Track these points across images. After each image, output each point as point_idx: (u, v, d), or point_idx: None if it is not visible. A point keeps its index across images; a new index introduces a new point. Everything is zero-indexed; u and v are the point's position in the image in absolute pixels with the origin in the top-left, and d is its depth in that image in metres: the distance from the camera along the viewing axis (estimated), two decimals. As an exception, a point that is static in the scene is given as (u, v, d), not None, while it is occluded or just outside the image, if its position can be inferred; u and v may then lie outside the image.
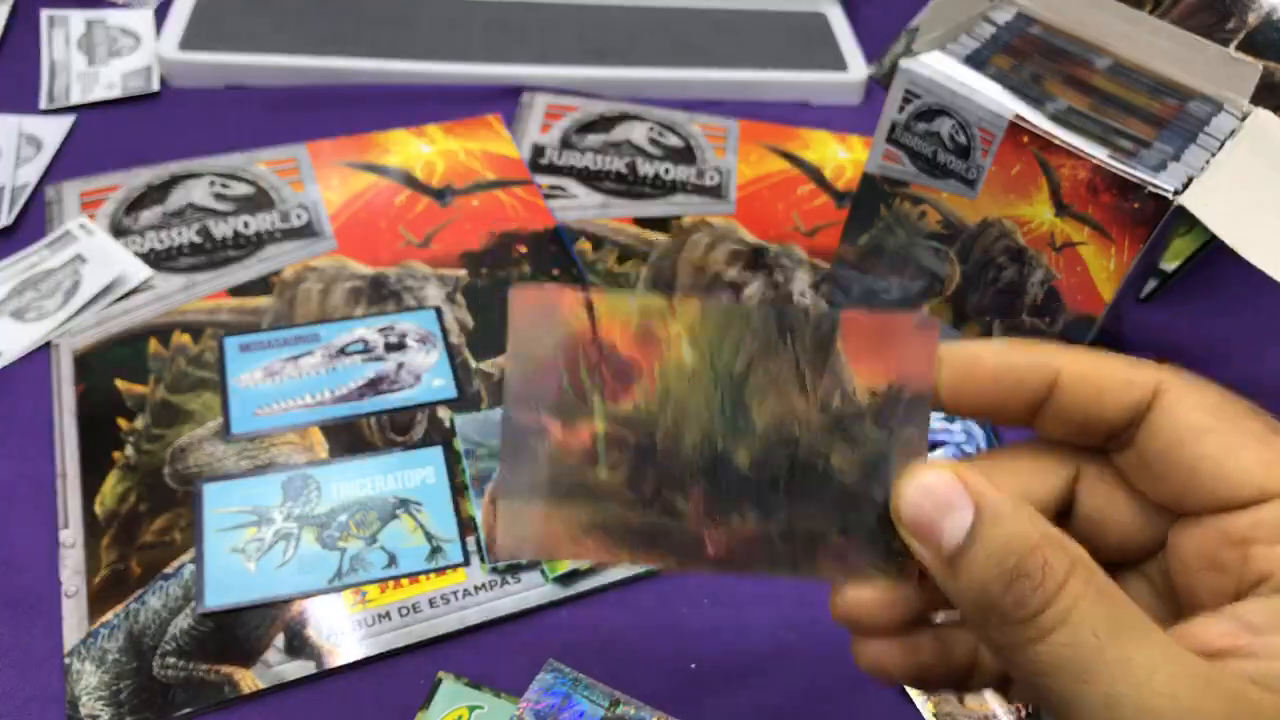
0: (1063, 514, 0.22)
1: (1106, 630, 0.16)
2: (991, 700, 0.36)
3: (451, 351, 0.46)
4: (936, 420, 0.45)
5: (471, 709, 0.35)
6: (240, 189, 0.53)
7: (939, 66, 0.40)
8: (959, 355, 0.21)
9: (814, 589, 0.40)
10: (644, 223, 0.54)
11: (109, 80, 0.58)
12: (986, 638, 0.18)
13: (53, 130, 0.55)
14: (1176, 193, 0.37)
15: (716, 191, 0.56)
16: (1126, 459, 0.21)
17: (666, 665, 0.37)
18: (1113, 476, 0.22)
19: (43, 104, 0.56)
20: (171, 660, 0.36)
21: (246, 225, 0.51)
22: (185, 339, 0.46)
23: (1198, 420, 0.20)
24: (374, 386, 0.45)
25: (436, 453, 0.42)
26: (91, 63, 0.59)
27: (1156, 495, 0.21)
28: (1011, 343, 0.22)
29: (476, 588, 0.38)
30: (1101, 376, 0.21)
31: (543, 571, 0.39)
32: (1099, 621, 0.16)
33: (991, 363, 0.21)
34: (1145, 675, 0.15)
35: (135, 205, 0.51)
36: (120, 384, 0.44)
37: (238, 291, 0.48)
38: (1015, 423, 0.22)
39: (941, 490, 0.18)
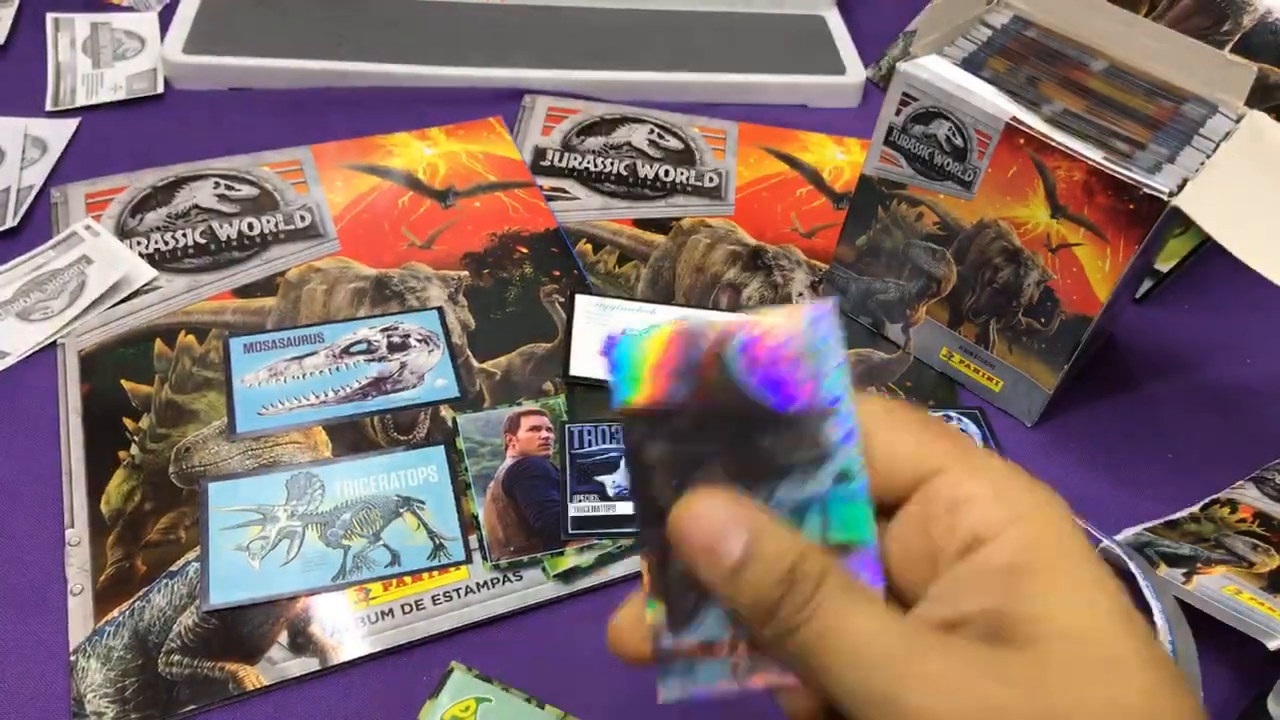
0: None
1: (844, 611, 0.21)
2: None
3: (454, 351, 0.47)
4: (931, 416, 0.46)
5: (479, 700, 0.35)
6: (245, 191, 0.53)
7: (936, 69, 0.41)
8: None
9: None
10: (644, 224, 0.54)
11: (114, 83, 0.58)
12: (762, 636, 0.22)
13: (58, 132, 0.55)
14: (1171, 194, 0.37)
15: (716, 193, 0.57)
16: None
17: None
18: None
19: (48, 106, 0.57)
20: (176, 657, 0.36)
21: (251, 227, 0.51)
22: (190, 339, 0.46)
23: (869, 426, 0.23)
24: (377, 386, 0.45)
25: (439, 452, 0.43)
26: (96, 65, 0.60)
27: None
28: None
29: (479, 585, 0.39)
30: None
31: (544, 569, 0.39)
32: (840, 606, 0.21)
33: None
34: (867, 638, 0.20)
35: (140, 207, 0.52)
36: (126, 384, 0.44)
37: (242, 292, 0.48)
38: None
39: (720, 515, 0.22)
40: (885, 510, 0.23)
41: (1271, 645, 0.35)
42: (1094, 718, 0.19)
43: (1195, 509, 0.43)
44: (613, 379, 0.23)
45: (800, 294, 0.51)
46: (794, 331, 0.23)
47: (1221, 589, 0.38)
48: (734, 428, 0.23)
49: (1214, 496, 0.43)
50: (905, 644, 0.20)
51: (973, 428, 0.46)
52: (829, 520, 0.23)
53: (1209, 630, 0.37)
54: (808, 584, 0.21)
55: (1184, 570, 0.39)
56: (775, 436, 0.23)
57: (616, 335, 0.23)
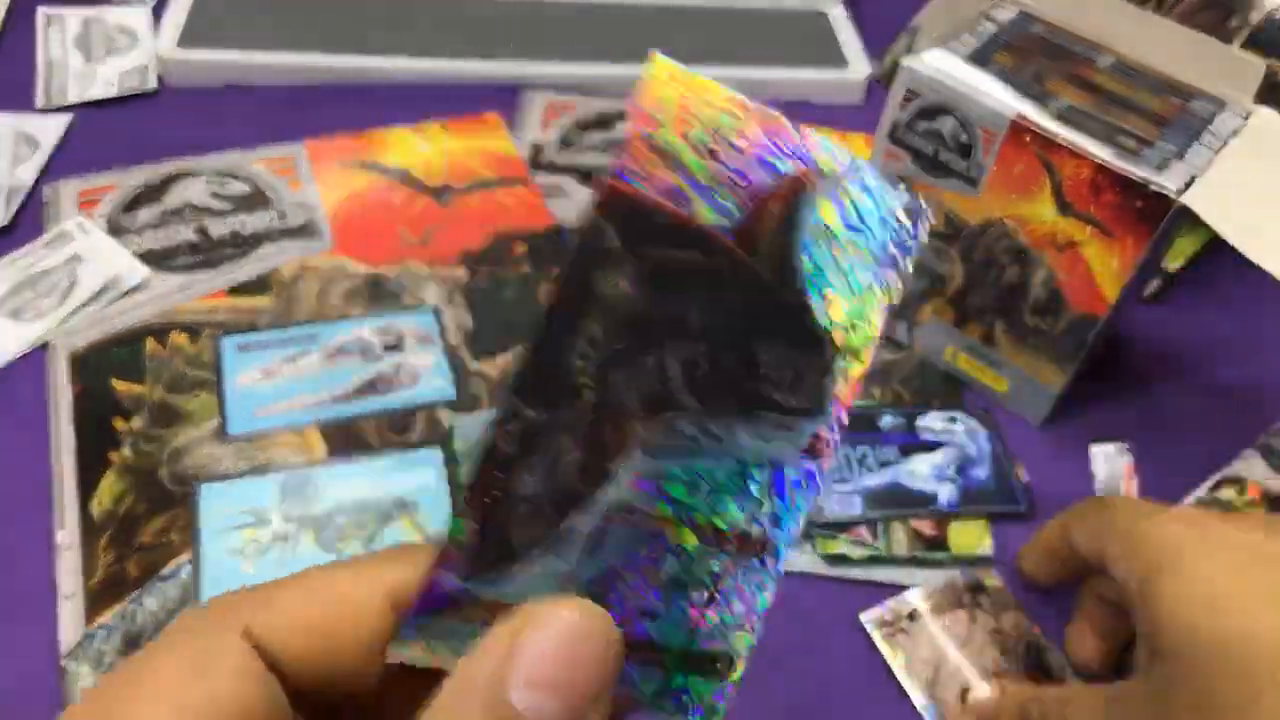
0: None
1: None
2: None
3: (450, 352, 0.46)
4: (939, 420, 0.45)
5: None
6: (238, 188, 0.52)
7: (941, 65, 0.40)
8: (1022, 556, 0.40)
9: (814, 591, 0.40)
10: (644, 222, 0.54)
11: (106, 79, 0.58)
12: None
13: (50, 129, 0.55)
14: (1179, 192, 0.36)
15: (717, 190, 0.56)
16: None
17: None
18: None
19: (39, 103, 0.56)
20: (168, 662, 0.36)
21: (244, 224, 0.51)
22: (183, 339, 0.45)
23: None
24: (372, 387, 0.44)
25: (435, 454, 0.42)
26: (89, 61, 0.59)
27: None
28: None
29: (475, 589, 0.38)
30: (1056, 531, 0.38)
31: (542, 573, 0.39)
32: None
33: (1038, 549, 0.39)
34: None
35: (132, 204, 0.51)
36: (117, 384, 0.44)
37: (235, 291, 0.48)
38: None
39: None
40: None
41: None
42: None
43: (1202, 491, 0.43)
44: (632, 127, 0.14)
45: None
46: (884, 216, 0.16)
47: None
48: (744, 312, 0.15)
49: (1221, 475, 0.43)
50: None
51: (979, 429, 0.45)
52: (772, 496, 0.17)
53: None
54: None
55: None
56: (782, 355, 0.16)
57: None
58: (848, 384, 0.16)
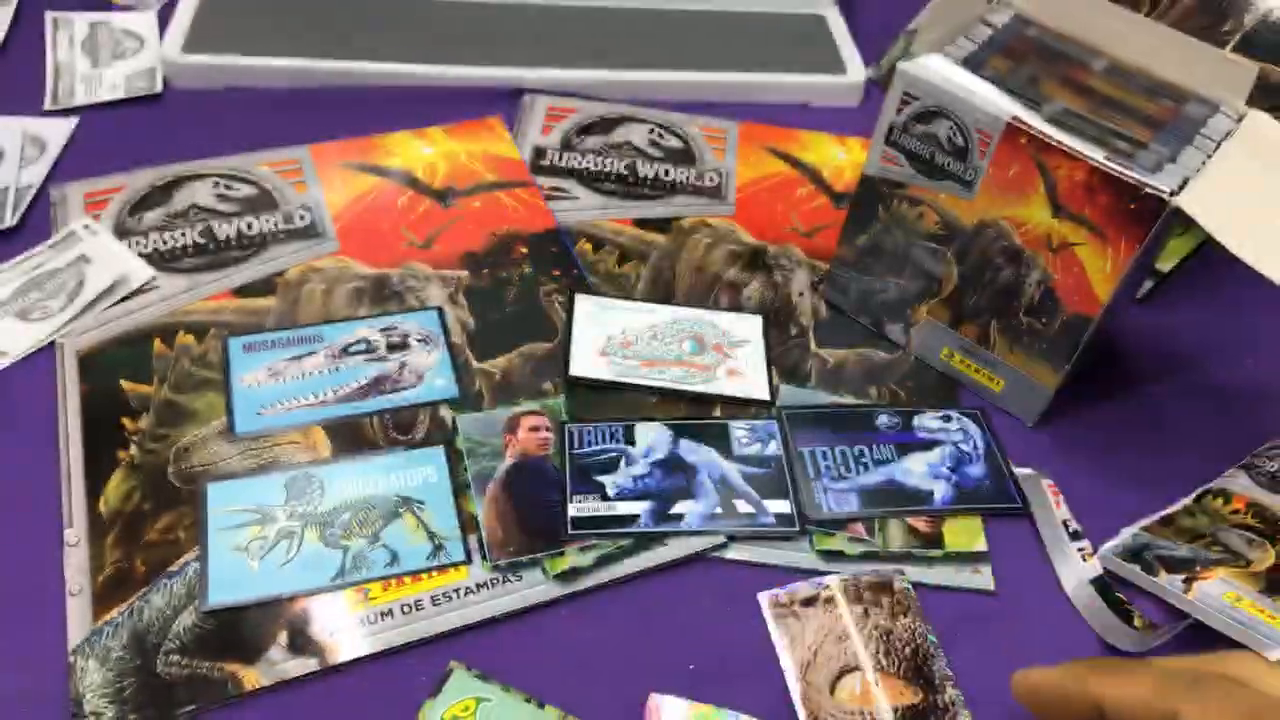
0: None
1: None
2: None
3: (453, 351, 0.47)
4: (934, 419, 0.46)
5: (479, 700, 0.35)
6: (243, 190, 0.53)
7: (937, 68, 0.41)
8: (1019, 682, 0.32)
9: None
10: (644, 224, 0.54)
11: (113, 82, 0.58)
12: None
13: (57, 131, 0.55)
14: (1173, 194, 0.37)
15: (716, 192, 0.56)
16: None
17: (667, 664, 0.37)
18: None
19: (46, 105, 0.57)
20: (175, 658, 0.36)
21: (250, 226, 0.51)
22: (189, 339, 0.46)
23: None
24: (376, 386, 0.45)
25: (438, 452, 0.43)
26: (95, 64, 0.59)
27: None
28: (1066, 669, 0.30)
29: (478, 585, 0.39)
30: (1134, 708, 0.28)
31: (543, 569, 0.39)
32: None
33: (1046, 690, 0.31)
34: None
35: (139, 206, 0.52)
36: (124, 384, 0.44)
37: (241, 292, 0.48)
38: None
39: None
40: None
41: (1271, 656, 0.35)
42: None
43: (1189, 500, 0.43)
44: None
45: (801, 293, 0.51)
46: None
47: (1222, 596, 0.38)
48: None
49: (1206, 487, 0.43)
50: None
51: (972, 425, 0.46)
52: None
53: (1208, 638, 0.37)
54: None
55: (1184, 577, 0.39)
56: None
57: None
58: None
